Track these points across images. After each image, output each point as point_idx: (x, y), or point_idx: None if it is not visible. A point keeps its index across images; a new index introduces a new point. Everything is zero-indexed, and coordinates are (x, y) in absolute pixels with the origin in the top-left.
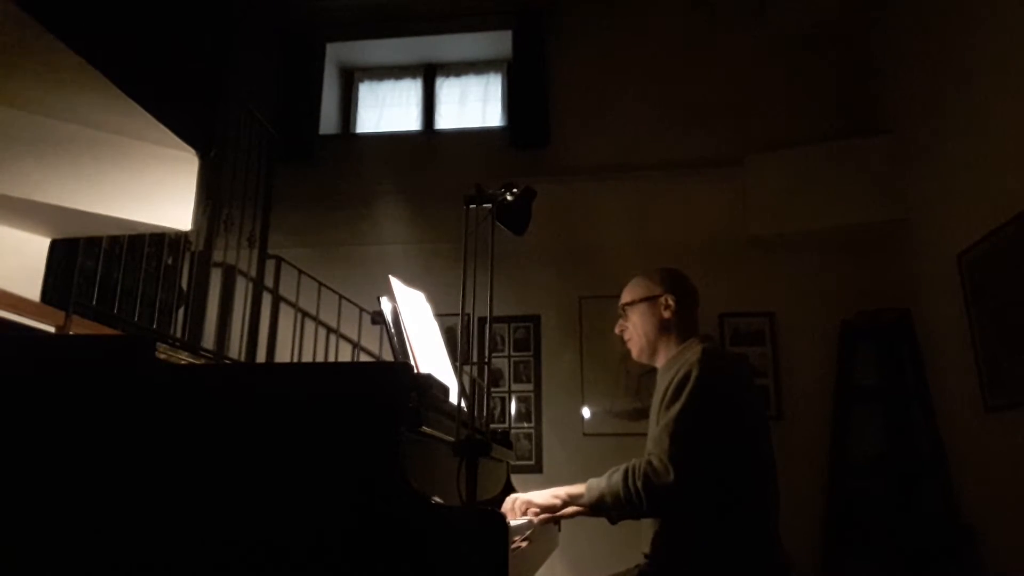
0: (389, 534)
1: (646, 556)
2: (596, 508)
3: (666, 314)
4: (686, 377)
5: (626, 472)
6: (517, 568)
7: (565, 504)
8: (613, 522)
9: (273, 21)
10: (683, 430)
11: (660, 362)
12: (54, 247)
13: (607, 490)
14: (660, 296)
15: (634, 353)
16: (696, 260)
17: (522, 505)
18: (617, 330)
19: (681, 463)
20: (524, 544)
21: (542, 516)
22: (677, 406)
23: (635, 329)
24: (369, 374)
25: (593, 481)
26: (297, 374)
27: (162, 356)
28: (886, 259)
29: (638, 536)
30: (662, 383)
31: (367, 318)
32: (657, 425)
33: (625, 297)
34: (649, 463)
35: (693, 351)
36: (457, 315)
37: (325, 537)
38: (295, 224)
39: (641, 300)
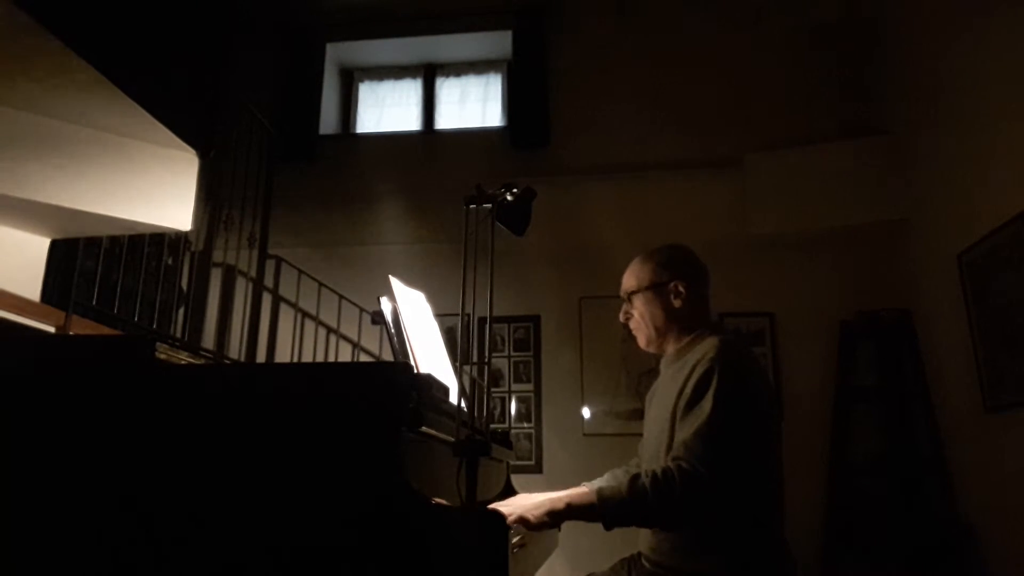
0: (389, 534)
1: (646, 558)
2: (613, 519)
3: (676, 303)
4: (706, 375)
5: (656, 479)
6: (517, 568)
7: (562, 516)
8: (608, 528)
9: (273, 21)
10: (716, 435)
11: (669, 351)
12: (54, 247)
13: (630, 498)
14: (668, 283)
15: (641, 343)
16: None
17: (514, 523)
18: (622, 318)
19: (718, 471)
20: (523, 545)
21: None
22: (704, 409)
23: (642, 319)
24: (369, 374)
25: (605, 490)
26: (297, 374)
27: (162, 356)
28: (886, 259)
29: (637, 535)
30: (671, 376)
31: (367, 318)
32: (672, 424)
33: (629, 284)
34: (682, 469)
35: (708, 343)
36: (457, 315)
37: (325, 537)
38: (295, 224)
39: (648, 288)
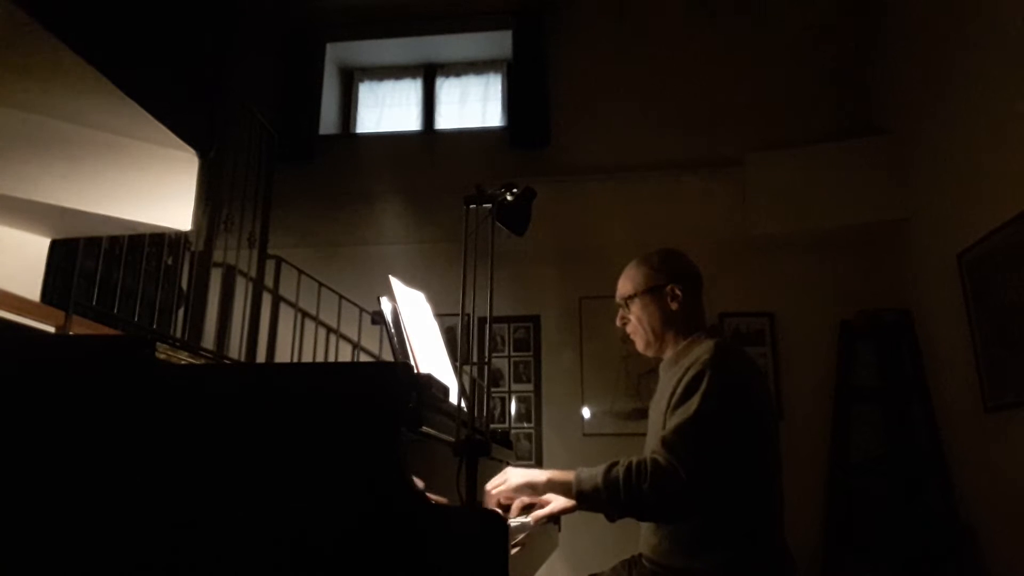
0: (389, 535)
1: (646, 558)
2: (588, 501)
3: (673, 306)
4: (698, 376)
5: (629, 470)
6: (517, 568)
7: (544, 488)
8: (612, 520)
9: (273, 21)
10: (697, 434)
11: (667, 355)
12: (54, 247)
13: (603, 485)
14: (664, 286)
15: (639, 347)
16: (696, 260)
17: (502, 494)
18: (619, 322)
19: (694, 469)
20: (523, 545)
21: (537, 514)
22: (690, 407)
23: (639, 323)
24: (369, 374)
25: (585, 472)
26: (297, 374)
27: (162, 356)
28: (886, 259)
29: (638, 536)
30: (668, 379)
31: (367, 318)
32: (664, 425)
33: (625, 288)
34: (656, 463)
35: (703, 347)
36: (457, 315)
37: (325, 538)
38: (295, 224)
39: (644, 292)
